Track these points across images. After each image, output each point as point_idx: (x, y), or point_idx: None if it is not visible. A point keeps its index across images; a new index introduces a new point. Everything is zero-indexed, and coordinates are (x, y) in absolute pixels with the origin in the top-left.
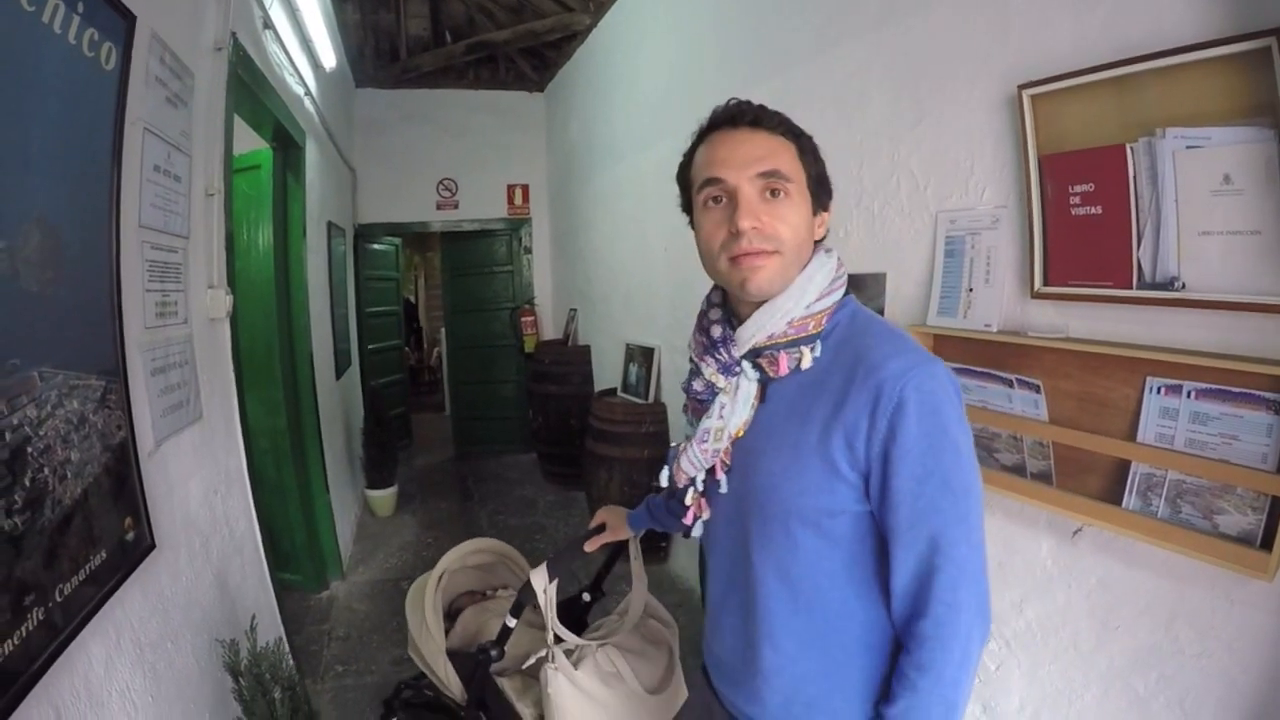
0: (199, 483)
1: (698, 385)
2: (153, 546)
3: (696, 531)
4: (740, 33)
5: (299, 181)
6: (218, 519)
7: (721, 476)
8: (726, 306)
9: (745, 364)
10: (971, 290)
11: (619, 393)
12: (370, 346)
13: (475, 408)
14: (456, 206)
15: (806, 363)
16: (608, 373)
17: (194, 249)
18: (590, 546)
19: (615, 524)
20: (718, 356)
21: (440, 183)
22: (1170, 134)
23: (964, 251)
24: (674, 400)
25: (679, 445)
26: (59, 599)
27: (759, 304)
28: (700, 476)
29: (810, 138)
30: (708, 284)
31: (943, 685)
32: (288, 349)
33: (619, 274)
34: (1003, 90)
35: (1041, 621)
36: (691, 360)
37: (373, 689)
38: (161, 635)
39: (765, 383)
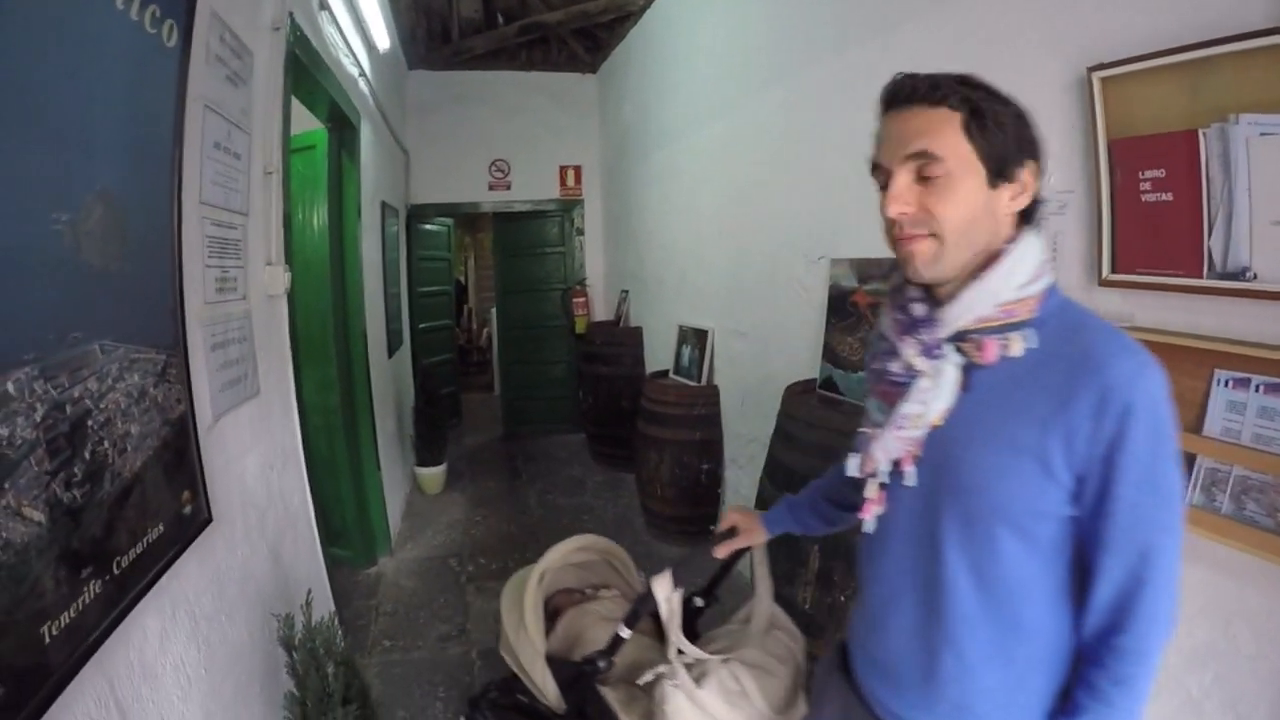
0: (255, 458)
1: (894, 367)
2: (210, 520)
3: (869, 526)
4: (796, 12)
5: (354, 162)
6: (273, 494)
7: (910, 468)
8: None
9: (948, 347)
10: None
11: (671, 374)
12: (421, 326)
13: (525, 388)
14: (509, 188)
15: (1016, 350)
16: (659, 354)
17: (253, 226)
18: (721, 553)
19: (748, 527)
20: (919, 337)
21: (493, 164)
22: (1244, 120)
23: None
24: (727, 383)
25: (869, 431)
26: (116, 572)
27: (949, 283)
28: (886, 467)
29: (994, 96)
30: (763, 267)
31: (1136, 699)
32: (341, 327)
33: (672, 255)
34: (1071, 72)
35: None
36: (884, 337)
37: (419, 664)
38: (216, 609)
39: (969, 369)
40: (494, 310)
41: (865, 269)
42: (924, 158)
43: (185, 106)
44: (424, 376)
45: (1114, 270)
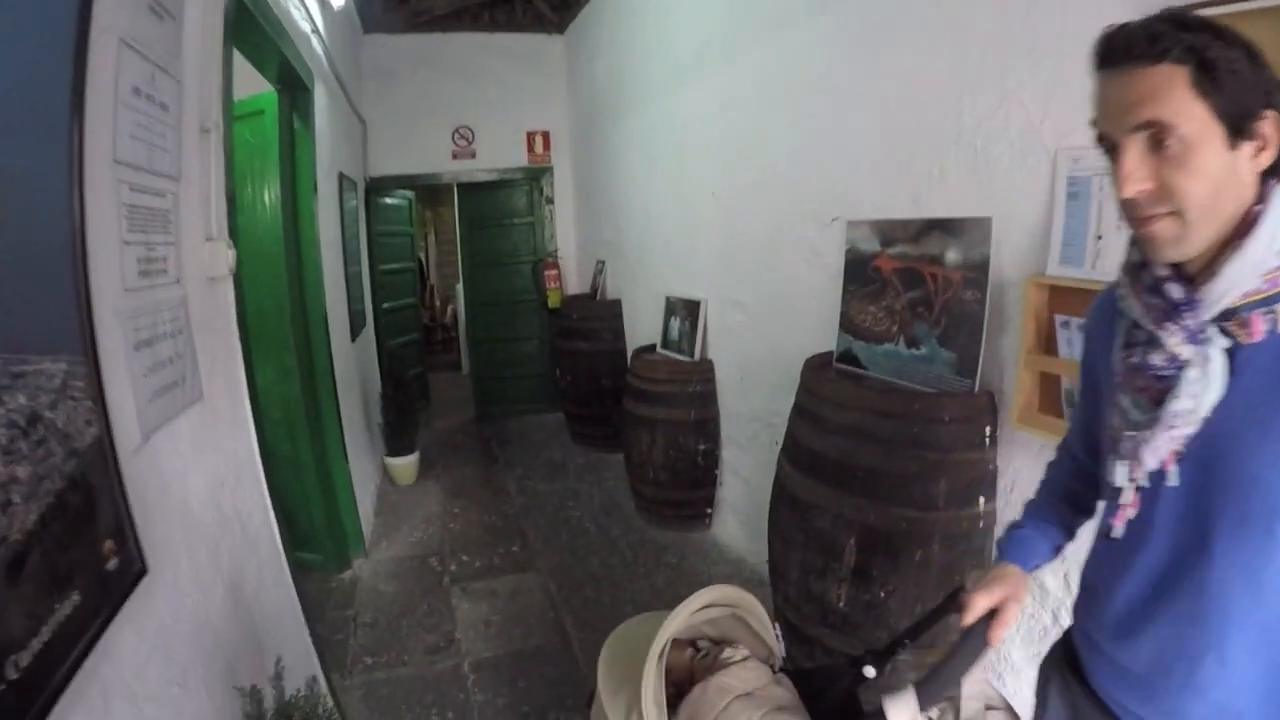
0: (201, 477)
1: (1157, 359)
2: (144, 571)
3: (1118, 532)
4: None
5: (308, 128)
6: (227, 518)
7: (1173, 467)
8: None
9: (1212, 329)
10: (1100, 238)
11: (659, 349)
12: (385, 305)
13: (496, 367)
14: (473, 156)
15: None
16: (643, 328)
17: (187, 194)
18: (996, 641)
19: (1011, 590)
20: (1182, 323)
21: (456, 131)
22: None
23: (1090, 194)
24: (723, 357)
25: (1133, 434)
26: (15, 676)
27: (1197, 258)
28: (1153, 468)
29: (1220, 37)
30: (763, 232)
31: None
32: (300, 311)
33: (656, 222)
34: (1138, 10)
35: None
36: (1138, 327)
37: (407, 683)
38: (165, 679)
39: (1233, 351)
40: (458, 286)
41: (888, 231)
42: (1153, 127)
43: (89, 37)
44: (390, 359)
45: None
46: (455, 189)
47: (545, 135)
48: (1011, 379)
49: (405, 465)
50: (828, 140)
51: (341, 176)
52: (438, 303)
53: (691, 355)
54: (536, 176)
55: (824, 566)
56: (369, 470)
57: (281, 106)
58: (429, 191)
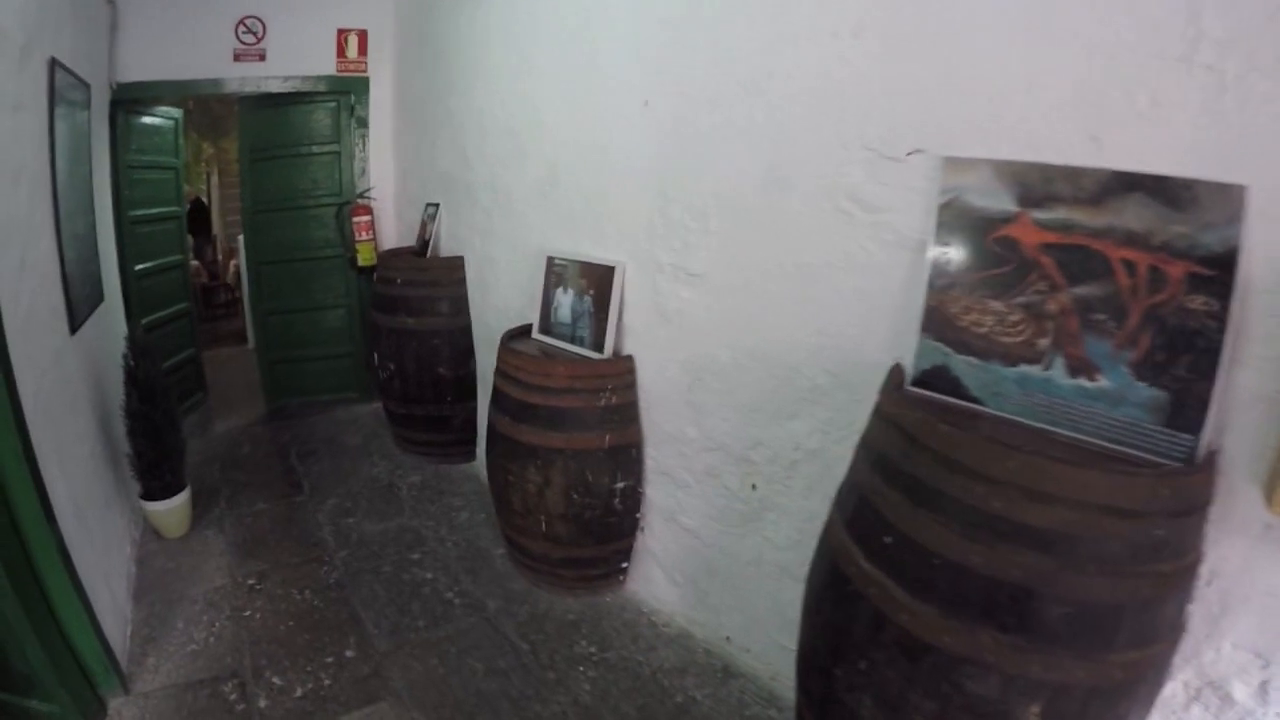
0: None
1: None
2: None
3: None
4: None
5: None
6: None
7: None
8: None
9: None
10: None
11: (535, 334)
12: (139, 268)
13: (291, 344)
14: (262, 58)
15: None
16: (502, 300)
17: None
18: None
19: None
20: None
21: (240, 24)
22: None
23: None
24: (652, 354)
25: None
26: None
27: None
28: None
29: None
30: (749, 166)
31: None
32: None
33: (534, 147)
34: None
35: None
36: None
37: None
38: None
39: None
40: (241, 238)
41: (1038, 183)
42: None
43: None
44: (137, 354)
45: None
46: (238, 106)
47: (361, 35)
48: (1253, 436)
49: (172, 511)
50: (898, 16)
51: (56, 67)
52: (220, 257)
53: (597, 348)
54: (347, 90)
55: None
56: (115, 530)
57: None
58: (213, 121)
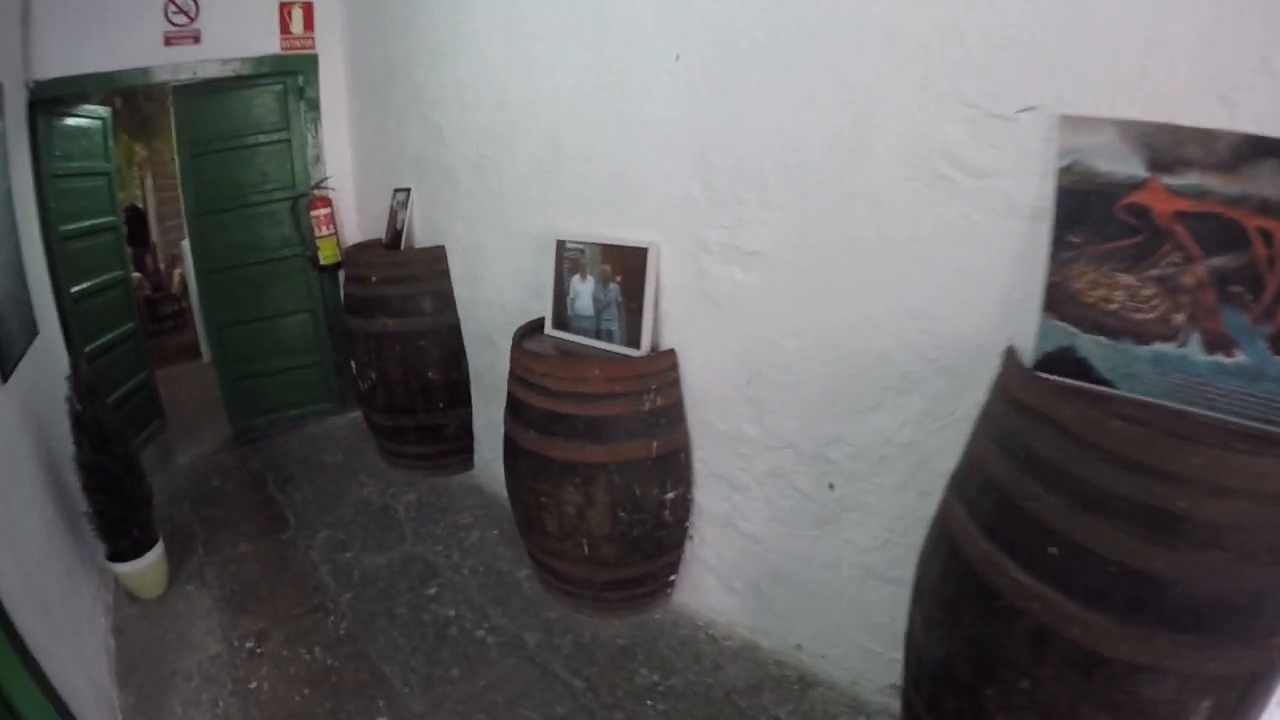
0: None
1: None
2: None
3: None
4: None
5: None
6: None
7: None
8: None
9: None
10: None
11: (548, 330)
12: (76, 289)
13: (252, 359)
14: (197, 40)
15: None
16: (495, 290)
17: None
18: None
19: None
20: None
21: (169, 2)
22: None
23: None
24: (698, 347)
25: None
26: None
27: None
28: None
29: None
30: (817, 126)
31: None
32: None
33: (529, 121)
34: None
35: None
36: None
37: None
38: None
39: None
40: (185, 244)
41: (1170, 146)
42: None
43: None
44: (86, 393)
45: None
46: (172, 98)
47: (306, 8)
48: None
49: (145, 570)
50: None
51: None
52: (162, 266)
53: (631, 344)
54: (294, 71)
55: None
56: (85, 602)
57: None
58: (144, 121)
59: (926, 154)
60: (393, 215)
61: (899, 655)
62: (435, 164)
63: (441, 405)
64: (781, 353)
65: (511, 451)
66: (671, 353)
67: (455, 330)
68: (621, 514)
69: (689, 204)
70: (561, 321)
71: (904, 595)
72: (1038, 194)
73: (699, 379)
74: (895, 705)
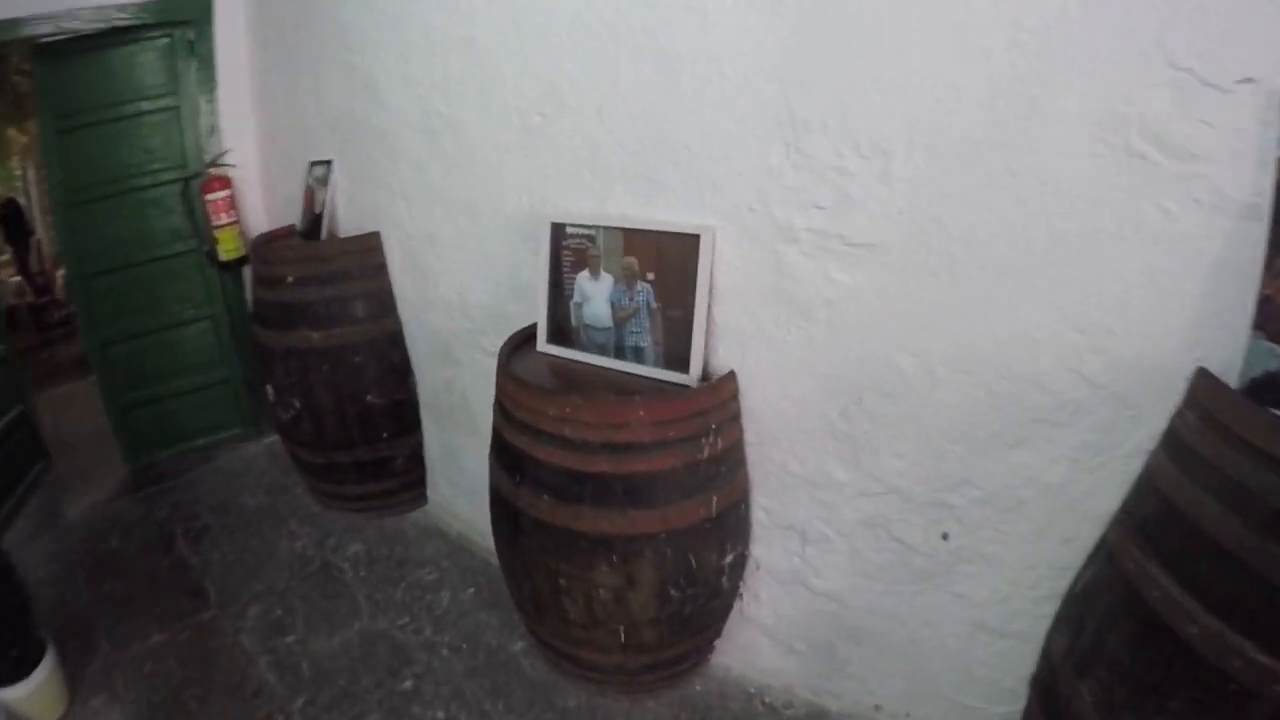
0: None
1: None
2: None
3: None
4: None
5: None
6: None
7: None
8: None
9: None
10: None
11: (543, 345)
12: None
13: (146, 380)
14: None
15: None
16: (455, 288)
17: None
18: None
19: None
20: None
21: None
22: None
23: None
24: (759, 367)
25: None
26: None
27: None
28: None
29: None
30: (942, 72)
31: None
32: None
33: (514, 63)
34: None
35: None
36: None
37: None
38: None
39: None
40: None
41: None
42: None
43: None
44: None
45: None
46: (33, 62)
47: None
48: None
49: (36, 694)
50: None
51: None
52: (47, 265)
53: (677, 365)
54: (182, 19)
55: None
56: None
57: None
58: (17, 99)
59: (1119, 124)
60: (309, 196)
61: (1005, 709)
62: (367, 128)
63: (385, 435)
64: (895, 376)
65: (509, 518)
66: (732, 377)
67: (398, 340)
68: (674, 592)
69: (765, 174)
70: (562, 334)
71: (1022, 649)
72: (1252, 187)
73: (768, 410)
74: None
